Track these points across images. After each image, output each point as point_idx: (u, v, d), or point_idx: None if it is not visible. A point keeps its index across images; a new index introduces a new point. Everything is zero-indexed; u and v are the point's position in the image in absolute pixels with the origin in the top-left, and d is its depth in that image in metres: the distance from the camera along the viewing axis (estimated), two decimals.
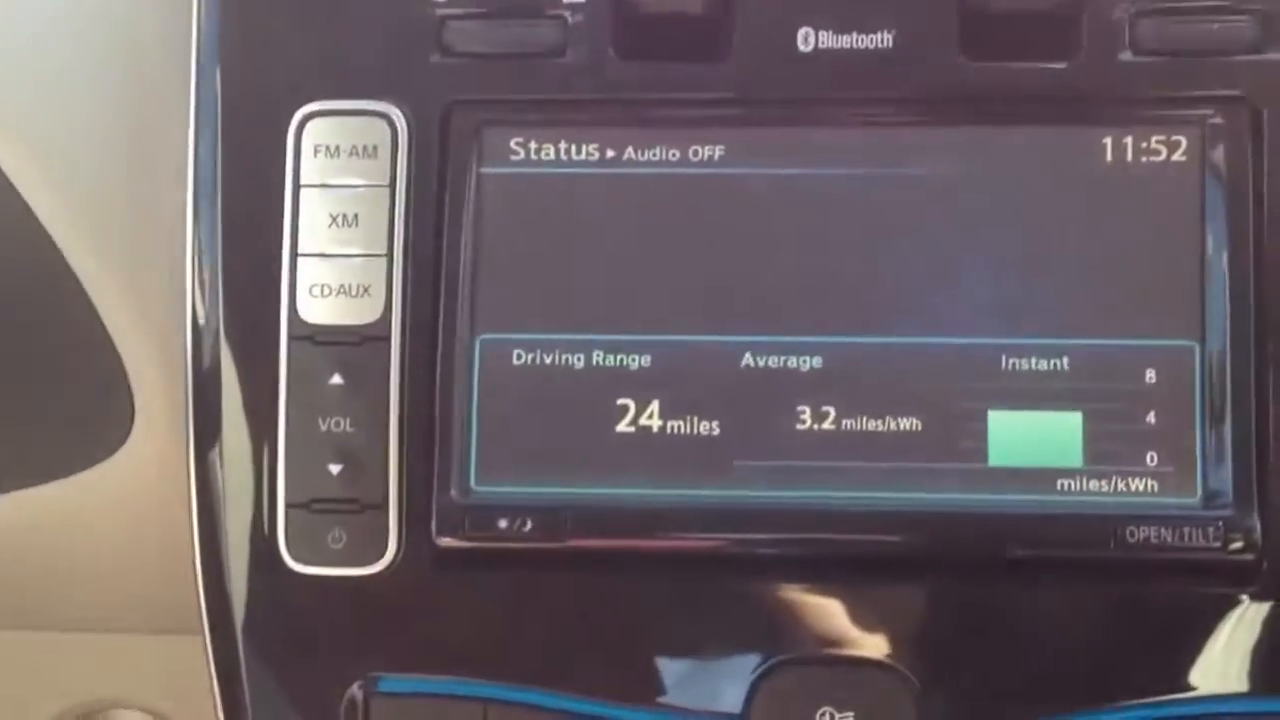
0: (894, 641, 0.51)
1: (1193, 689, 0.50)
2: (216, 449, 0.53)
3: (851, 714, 0.50)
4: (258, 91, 0.52)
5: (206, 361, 0.53)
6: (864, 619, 0.51)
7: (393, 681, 0.52)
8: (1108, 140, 0.51)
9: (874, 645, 0.51)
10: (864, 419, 0.51)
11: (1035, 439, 0.51)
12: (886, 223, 0.51)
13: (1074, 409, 0.51)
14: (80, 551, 0.59)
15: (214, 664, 0.52)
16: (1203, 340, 0.50)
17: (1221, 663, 0.50)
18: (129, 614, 0.61)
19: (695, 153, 0.51)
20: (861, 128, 0.52)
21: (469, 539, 0.52)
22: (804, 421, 0.51)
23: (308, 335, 0.52)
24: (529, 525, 0.51)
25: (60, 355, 0.56)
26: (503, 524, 0.51)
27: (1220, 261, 0.50)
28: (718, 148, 0.51)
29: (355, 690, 0.52)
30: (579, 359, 0.52)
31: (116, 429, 0.56)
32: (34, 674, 0.65)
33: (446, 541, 0.52)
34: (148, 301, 0.55)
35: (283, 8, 0.53)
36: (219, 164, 0.52)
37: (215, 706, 0.52)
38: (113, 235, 0.55)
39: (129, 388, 0.56)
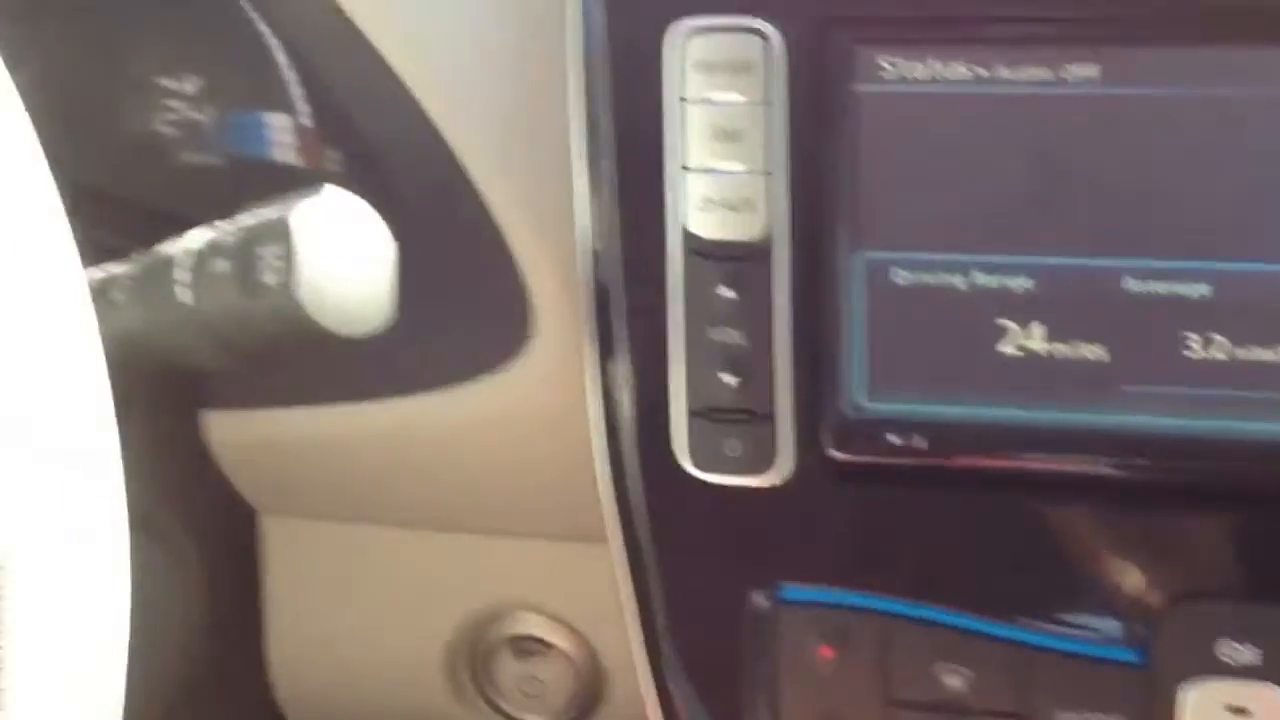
0: None
1: None
2: (614, 359, 0.54)
3: (1256, 649, 0.49)
4: (639, 6, 0.53)
5: (602, 274, 0.55)
6: (1263, 552, 0.49)
7: (795, 591, 0.53)
8: None
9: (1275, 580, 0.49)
10: (1256, 348, 0.49)
11: None
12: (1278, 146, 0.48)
13: None
14: (482, 456, 0.62)
15: (621, 571, 0.55)
16: None
17: None
18: (532, 520, 0.64)
19: (1070, 72, 0.49)
20: (1248, 45, 0.48)
21: (862, 453, 0.52)
22: (1192, 348, 0.49)
23: (696, 249, 0.53)
24: (920, 441, 0.51)
25: (468, 270, 0.59)
26: (894, 439, 0.52)
27: None
28: (1094, 67, 0.49)
29: (760, 596, 0.53)
30: (960, 279, 0.51)
31: (516, 340, 0.59)
32: (445, 574, 0.69)
33: (840, 455, 0.52)
34: (546, 220, 0.57)
35: None
36: (606, 79, 0.53)
37: (624, 612, 0.55)
38: (513, 154, 0.57)
39: (528, 301, 0.58)
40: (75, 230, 0.37)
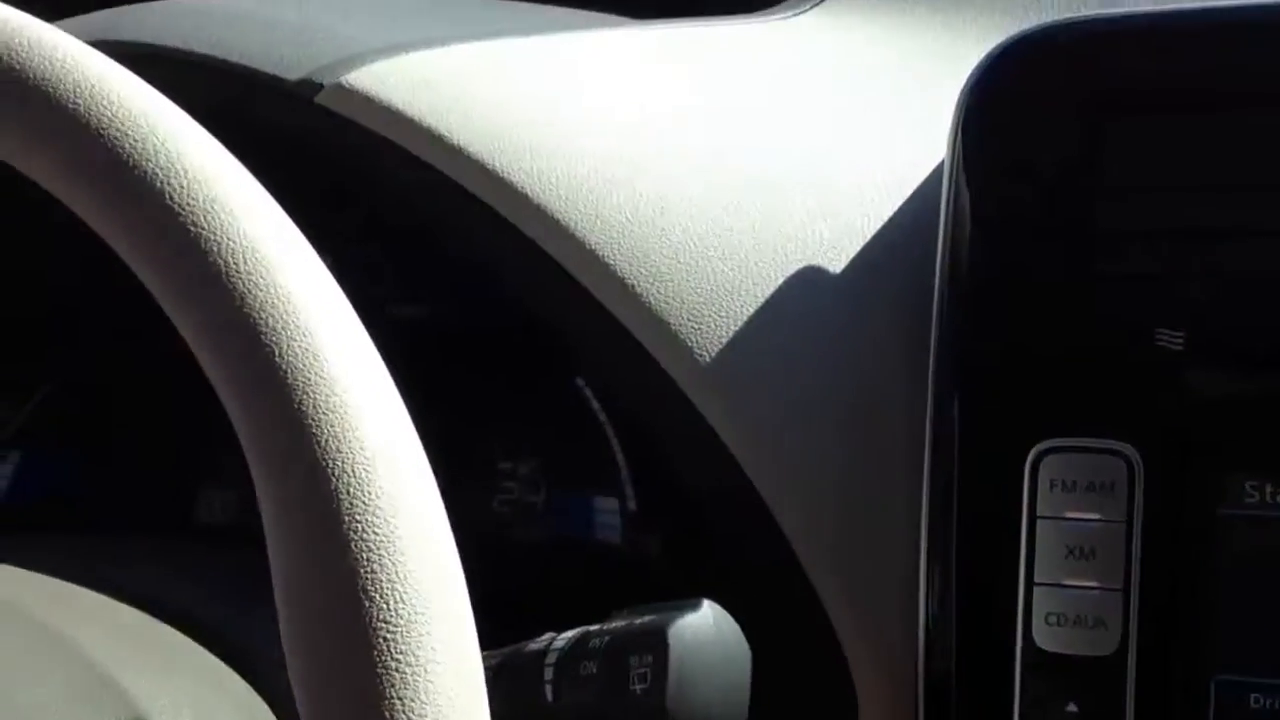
0: None
1: None
2: None
3: None
4: (1003, 429, 0.54)
5: (936, 681, 0.54)
6: None
7: None
8: None
9: None
10: None
11: None
12: None
13: None
14: None
15: None
16: None
17: None
18: None
19: None
20: None
21: None
22: None
23: (1040, 662, 0.52)
24: None
25: (792, 663, 0.59)
26: None
27: None
28: None
29: None
30: None
31: None
32: None
33: None
34: (878, 618, 0.57)
35: (1019, 356, 0.54)
36: (959, 492, 0.54)
37: None
38: (848, 548, 0.58)
39: (854, 702, 0.58)
40: None
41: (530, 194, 0.53)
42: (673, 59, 0.62)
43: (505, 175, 0.54)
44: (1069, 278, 0.53)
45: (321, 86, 0.55)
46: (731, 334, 0.53)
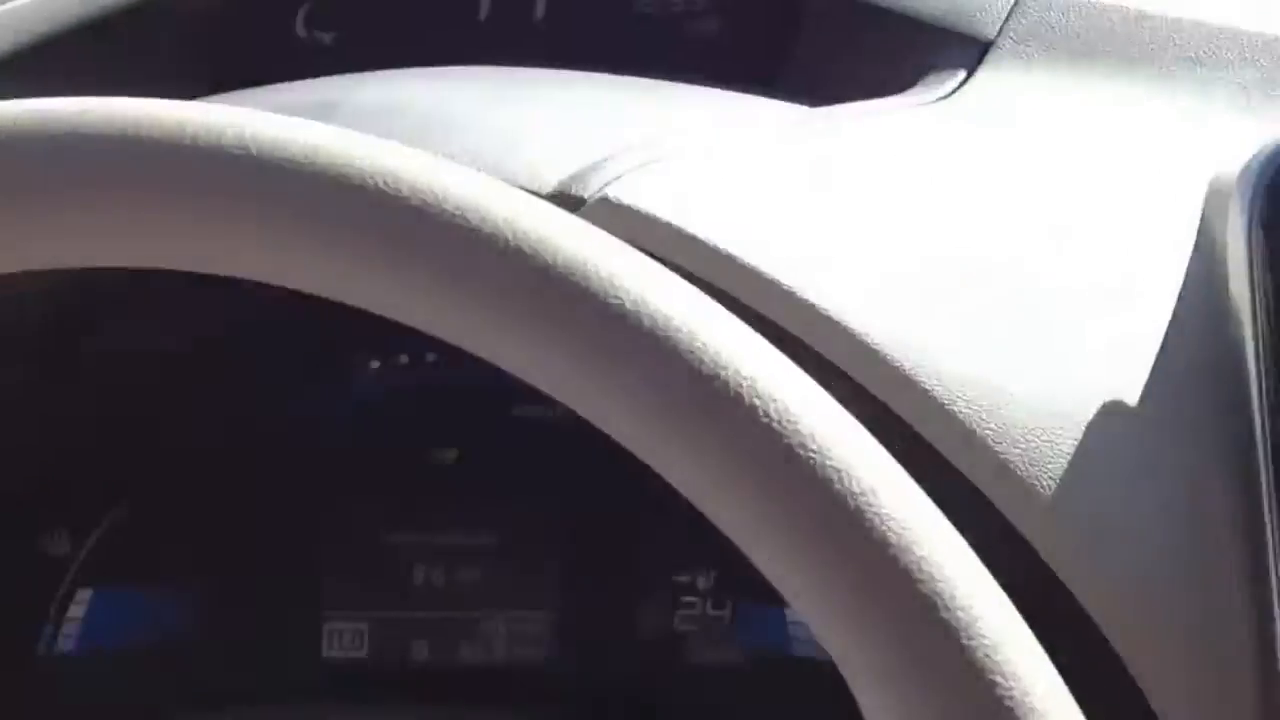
0: None
1: None
2: None
3: None
4: None
5: None
6: None
7: None
8: None
9: None
10: None
11: None
12: None
13: None
14: None
15: None
16: None
17: None
18: None
19: None
20: None
21: None
22: None
23: None
24: None
25: None
26: None
27: None
28: None
29: None
30: None
31: None
32: None
33: None
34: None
35: None
36: None
37: None
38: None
39: None
40: None
41: (832, 314, 0.49)
42: (875, 153, 0.58)
43: (799, 293, 0.49)
44: None
45: (583, 200, 0.50)
46: (1063, 473, 0.49)
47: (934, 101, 0.60)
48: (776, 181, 0.55)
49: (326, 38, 0.74)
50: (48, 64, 0.68)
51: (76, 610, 0.67)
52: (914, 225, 0.55)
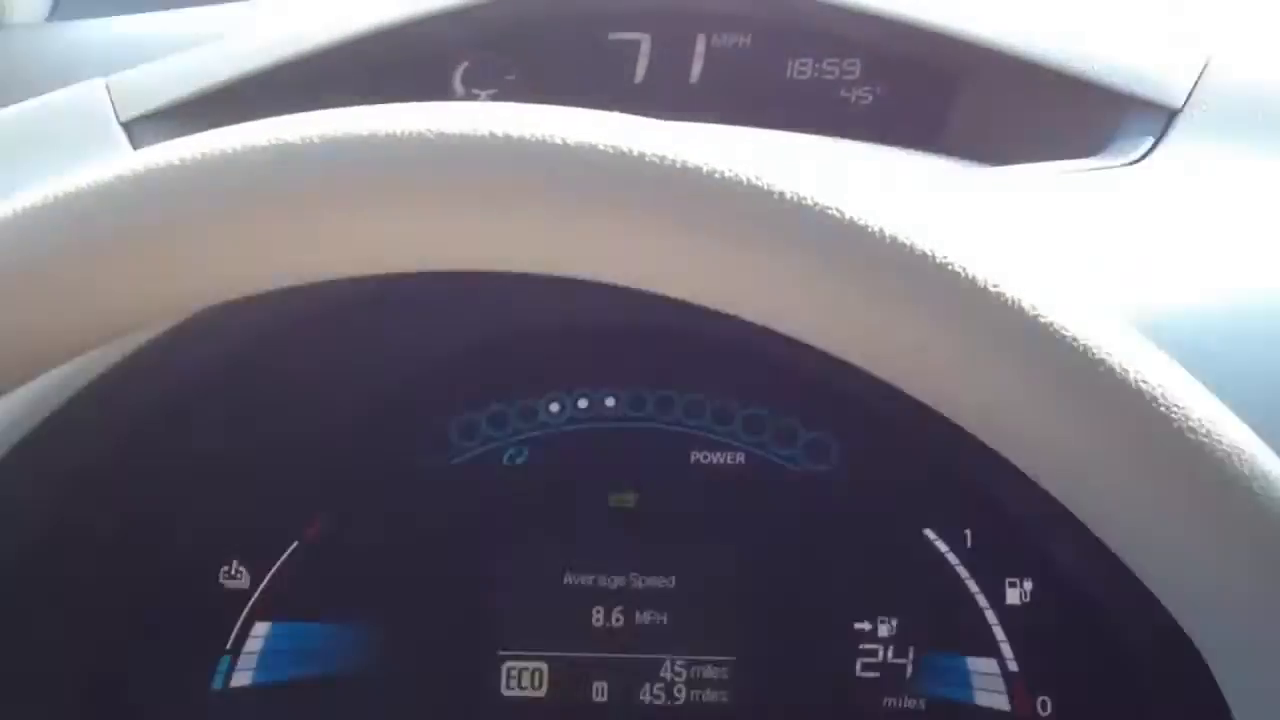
0: None
1: None
2: None
3: None
4: None
5: None
6: None
7: None
8: None
9: None
10: None
11: None
12: None
13: None
14: None
15: None
16: None
17: None
18: None
19: None
20: None
21: None
22: None
23: None
24: None
25: None
26: None
27: None
28: None
29: None
30: None
31: None
32: None
33: None
34: None
35: None
36: None
37: None
38: None
39: None
40: None
41: None
42: (1081, 210, 0.59)
43: None
44: None
45: None
46: None
47: (1126, 165, 0.62)
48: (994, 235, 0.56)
49: (482, 95, 0.75)
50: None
51: (254, 644, 0.67)
52: (1122, 282, 0.56)
